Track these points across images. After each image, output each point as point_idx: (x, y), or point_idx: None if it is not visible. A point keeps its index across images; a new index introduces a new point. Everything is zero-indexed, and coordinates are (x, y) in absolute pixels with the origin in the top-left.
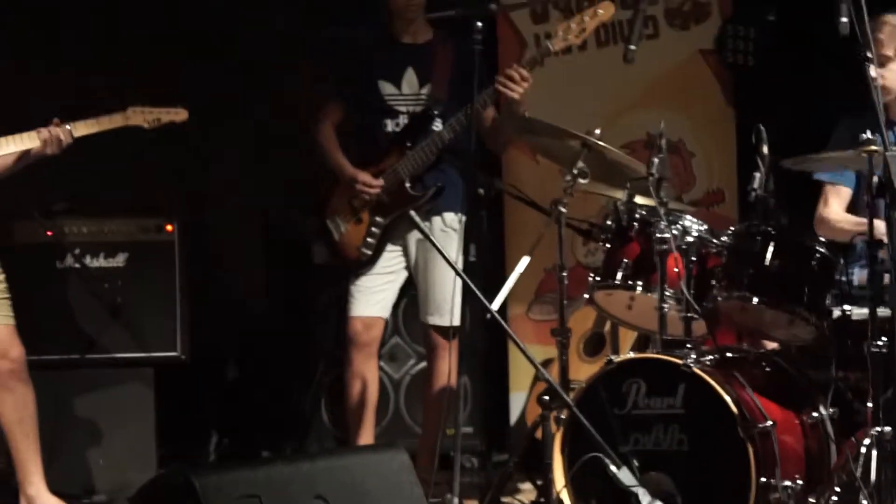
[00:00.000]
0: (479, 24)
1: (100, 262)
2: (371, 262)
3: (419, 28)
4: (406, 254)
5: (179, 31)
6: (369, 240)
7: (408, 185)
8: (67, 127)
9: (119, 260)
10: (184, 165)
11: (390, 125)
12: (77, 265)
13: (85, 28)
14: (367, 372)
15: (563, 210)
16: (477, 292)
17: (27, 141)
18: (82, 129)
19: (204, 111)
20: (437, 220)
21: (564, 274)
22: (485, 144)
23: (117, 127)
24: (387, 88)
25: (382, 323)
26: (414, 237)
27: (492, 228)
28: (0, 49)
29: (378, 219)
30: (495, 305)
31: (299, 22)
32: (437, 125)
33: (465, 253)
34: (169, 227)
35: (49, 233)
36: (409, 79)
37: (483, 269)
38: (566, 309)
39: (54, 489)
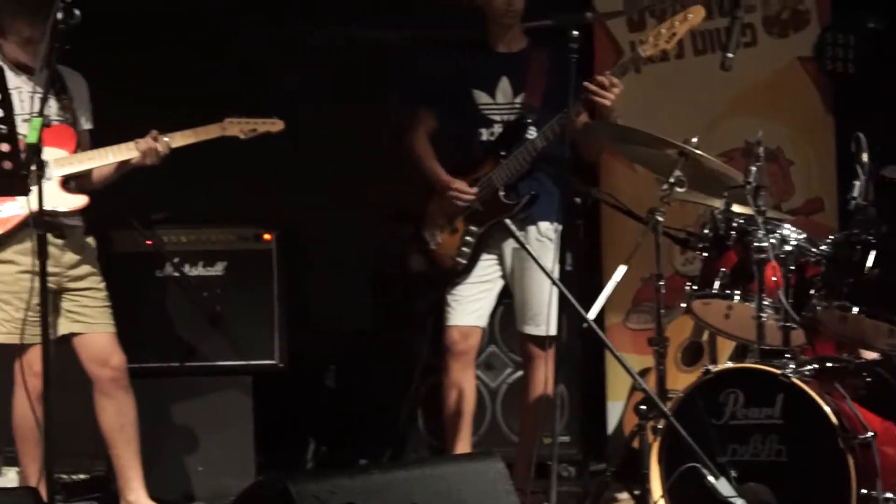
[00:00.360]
0: (576, 32)
1: (198, 270)
2: (467, 270)
3: (514, 36)
4: (502, 262)
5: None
6: (464, 249)
7: (502, 193)
8: (165, 138)
9: (218, 269)
10: (279, 174)
11: (485, 134)
12: (176, 274)
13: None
14: (464, 381)
15: (660, 219)
16: (573, 301)
17: (125, 152)
18: (180, 140)
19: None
20: (532, 229)
21: (662, 283)
22: (576, 150)
23: (214, 137)
24: (481, 97)
25: (480, 332)
26: (509, 246)
27: (588, 237)
28: None
29: (473, 228)
30: (592, 314)
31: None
32: (531, 133)
33: (562, 262)
34: (267, 236)
35: (148, 242)
36: (504, 88)
37: (580, 278)
38: (663, 318)
39: (154, 495)
